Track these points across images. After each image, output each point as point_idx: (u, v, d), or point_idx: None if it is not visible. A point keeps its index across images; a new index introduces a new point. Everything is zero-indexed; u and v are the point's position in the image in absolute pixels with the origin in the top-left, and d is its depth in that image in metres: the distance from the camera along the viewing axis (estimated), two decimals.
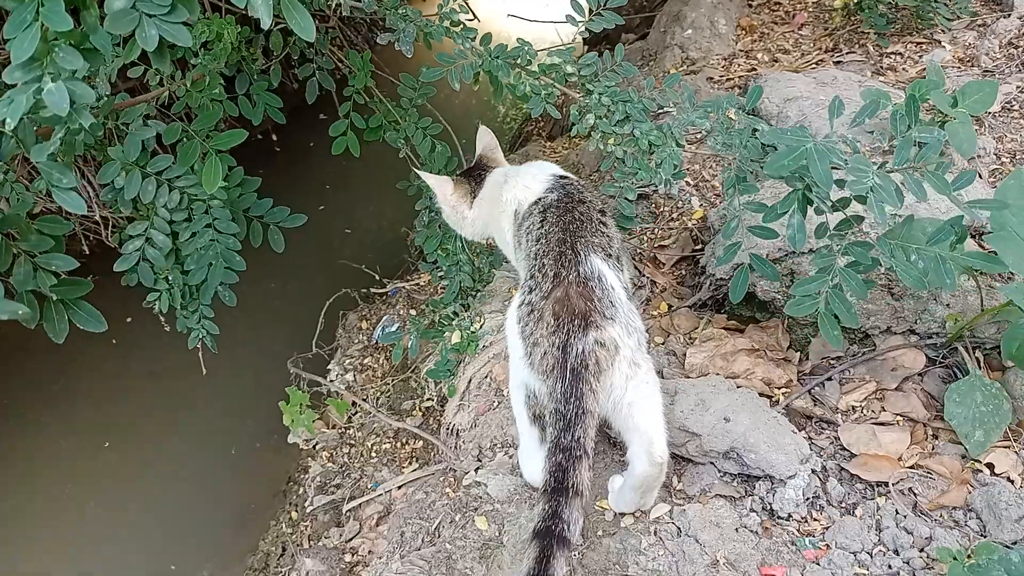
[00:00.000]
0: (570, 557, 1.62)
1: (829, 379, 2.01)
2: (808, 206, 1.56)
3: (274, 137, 5.07)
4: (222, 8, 2.75)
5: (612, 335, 1.59)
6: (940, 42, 3.10)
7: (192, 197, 2.08)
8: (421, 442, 2.57)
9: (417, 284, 3.31)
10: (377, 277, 3.54)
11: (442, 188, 2.13)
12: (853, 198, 1.52)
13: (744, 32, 3.42)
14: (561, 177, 1.97)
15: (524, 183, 2.00)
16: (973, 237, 2.17)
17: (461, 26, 1.97)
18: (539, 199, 1.92)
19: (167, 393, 3.52)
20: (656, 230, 2.62)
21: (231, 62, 2.11)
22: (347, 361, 3.19)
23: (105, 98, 1.93)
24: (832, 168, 1.46)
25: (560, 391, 1.54)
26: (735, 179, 1.67)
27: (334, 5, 1.93)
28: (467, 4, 2.25)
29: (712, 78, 3.15)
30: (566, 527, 1.46)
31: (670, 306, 2.35)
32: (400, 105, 2.44)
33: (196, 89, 2.05)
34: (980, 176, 2.35)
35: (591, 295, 1.63)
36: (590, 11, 1.98)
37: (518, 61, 1.92)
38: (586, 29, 2.01)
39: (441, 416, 2.49)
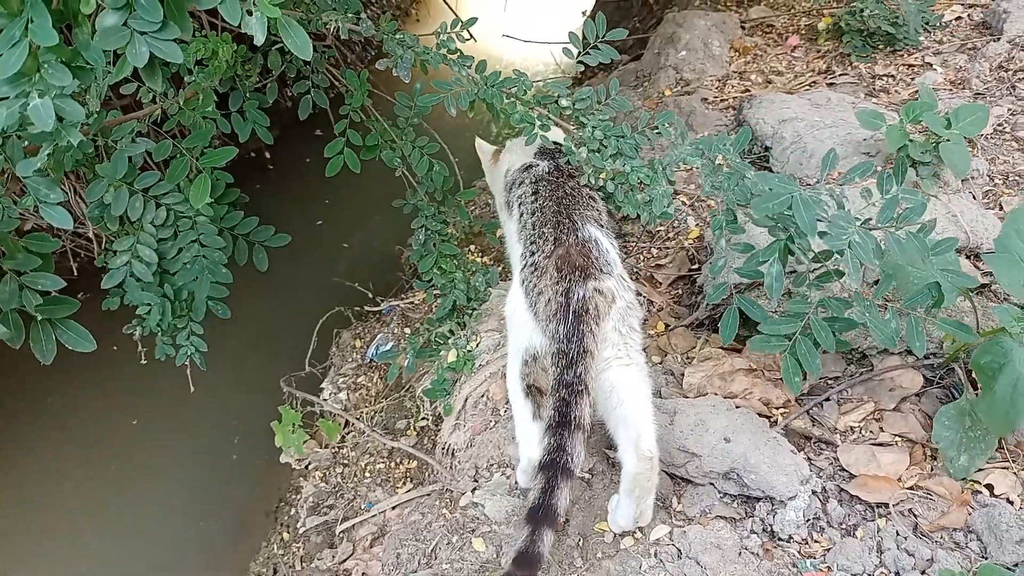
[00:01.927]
0: (574, 487, 1.72)
1: (827, 399, 2.01)
2: (789, 256, 1.57)
3: (267, 155, 5.08)
4: (219, 26, 2.76)
5: (609, 285, 1.75)
6: (932, 65, 3.14)
7: (179, 214, 2.08)
8: (416, 462, 2.54)
9: (411, 302, 3.29)
10: (371, 295, 3.52)
11: (486, 155, 2.49)
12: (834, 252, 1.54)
13: (738, 54, 3.45)
14: (554, 143, 2.06)
15: (518, 147, 2.21)
16: (968, 257, 2.18)
17: (458, 53, 1.97)
18: (529, 165, 2.09)
19: (157, 411, 3.48)
20: (652, 249, 2.62)
21: (225, 79, 2.10)
22: (340, 380, 3.16)
23: (95, 115, 1.92)
24: (817, 219, 1.48)
25: (563, 332, 1.68)
26: (722, 220, 1.68)
27: (332, 28, 1.93)
28: (467, 29, 2.25)
29: (706, 99, 3.17)
30: (570, 459, 1.57)
31: (667, 325, 2.35)
32: (396, 124, 2.44)
33: (189, 107, 2.04)
34: (974, 197, 2.37)
35: (589, 253, 1.79)
36: (586, 44, 1.98)
37: (513, 91, 1.92)
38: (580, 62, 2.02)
39: (436, 436, 2.47)
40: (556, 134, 2.03)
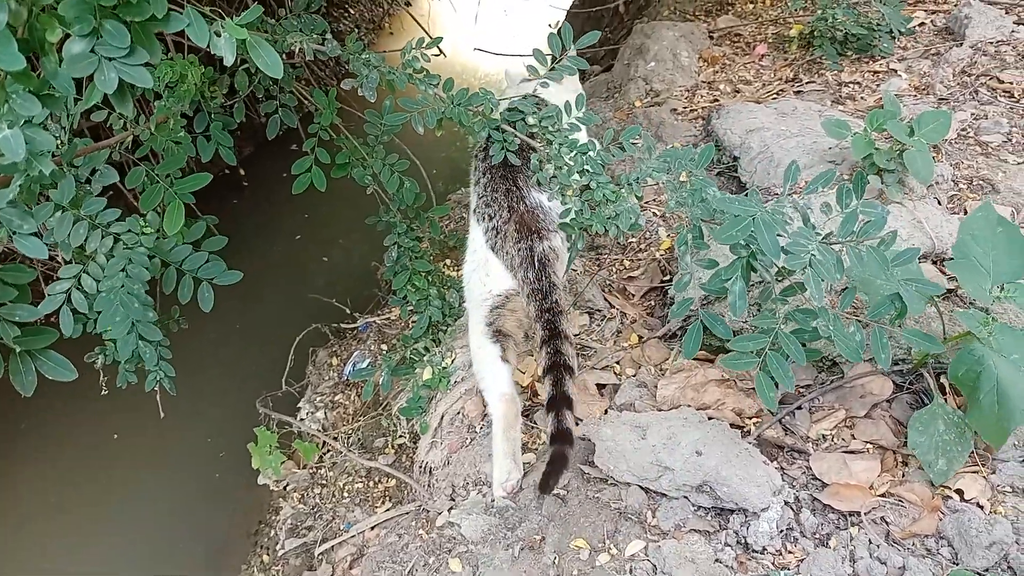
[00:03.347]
0: (575, 379, 1.98)
1: (799, 408, 2.02)
2: (752, 272, 1.59)
3: (242, 171, 5.05)
4: (185, 47, 2.74)
5: (556, 243, 2.08)
6: (896, 71, 3.18)
7: (126, 244, 1.93)
8: (394, 480, 2.54)
9: (388, 318, 3.29)
10: (348, 311, 3.51)
11: None
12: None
13: (706, 64, 3.48)
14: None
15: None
16: (934, 263, 2.21)
17: (424, 72, 1.97)
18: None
19: (133, 434, 3.45)
20: (625, 261, 2.63)
21: (192, 102, 2.09)
22: (318, 399, 3.15)
23: (66, 144, 1.89)
24: (780, 236, 1.49)
25: (532, 275, 2.03)
26: (687, 237, 1.69)
27: (297, 50, 1.93)
28: (437, 46, 2.25)
29: (676, 110, 3.19)
30: (568, 358, 1.94)
31: (640, 337, 2.36)
32: (367, 142, 2.43)
33: (160, 132, 2.02)
34: (939, 202, 2.39)
35: (538, 218, 2.08)
36: (554, 58, 1.99)
37: (480, 108, 1.93)
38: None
39: (414, 453, 2.46)
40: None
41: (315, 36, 2.07)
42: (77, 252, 1.90)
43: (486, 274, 2.15)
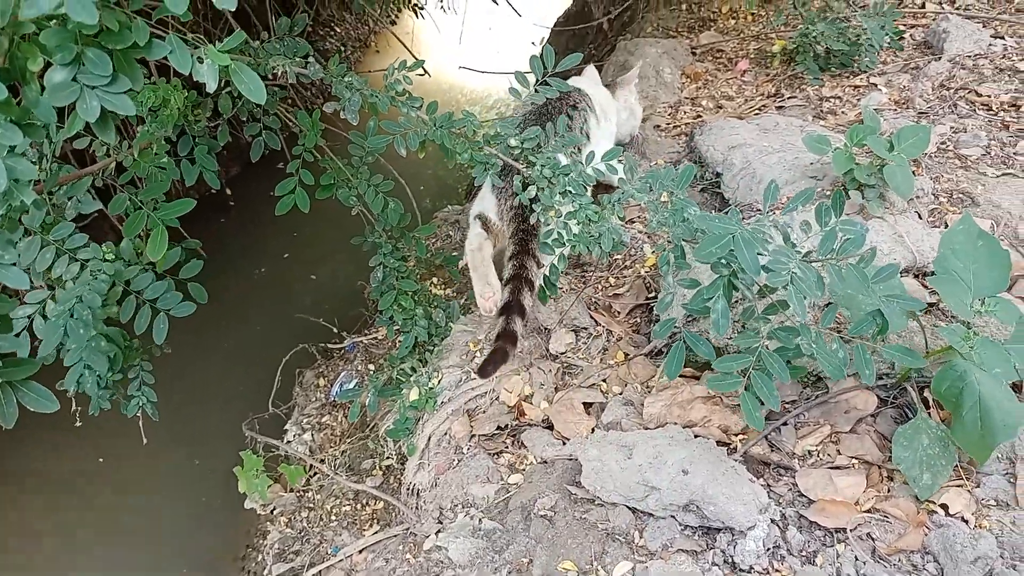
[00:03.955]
0: (533, 294, 2.26)
1: (784, 424, 2.02)
2: (734, 291, 1.59)
3: (228, 191, 5.05)
4: (170, 70, 2.74)
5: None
6: (877, 85, 3.21)
7: (92, 271, 1.91)
8: (382, 503, 2.52)
9: (375, 338, 3.28)
10: (335, 330, 3.50)
11: None
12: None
13: (689, 80, 3.50)
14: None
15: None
16: (916, 277, 2.22)
17: (406, 95, 1.98)
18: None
19: (119, 459, 3.42)
20: (610, 278, 2.64)
21: (176, 126, 2.09)
22: (305, 420, 3.13)
23: (50, 172, 1.88)
24: (760, 254, 1.50)
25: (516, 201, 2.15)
26: (669, 256, 1.70)
27: (279, 72, 1.93)
28: (422, 66, 2.26)
29: (659, 126, 3.21)
30: (530, 273, 2.23)
31: (626, 355, 2.36)
32: (351, 163, 2.44)
33: (143, 158, 2.02)
34: (920, 216, 2.41)
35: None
36: (537, 80, 2.00)
37: (463, 130, 1.93)
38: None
39: (401, 475, 2.45)
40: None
41: (298, 59, 2.07)
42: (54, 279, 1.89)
43: (481, 197, 2.54)
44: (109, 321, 2.13)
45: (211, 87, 1.36)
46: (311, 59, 2.05)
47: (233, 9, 1.30)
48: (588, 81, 2.96)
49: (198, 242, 2.55)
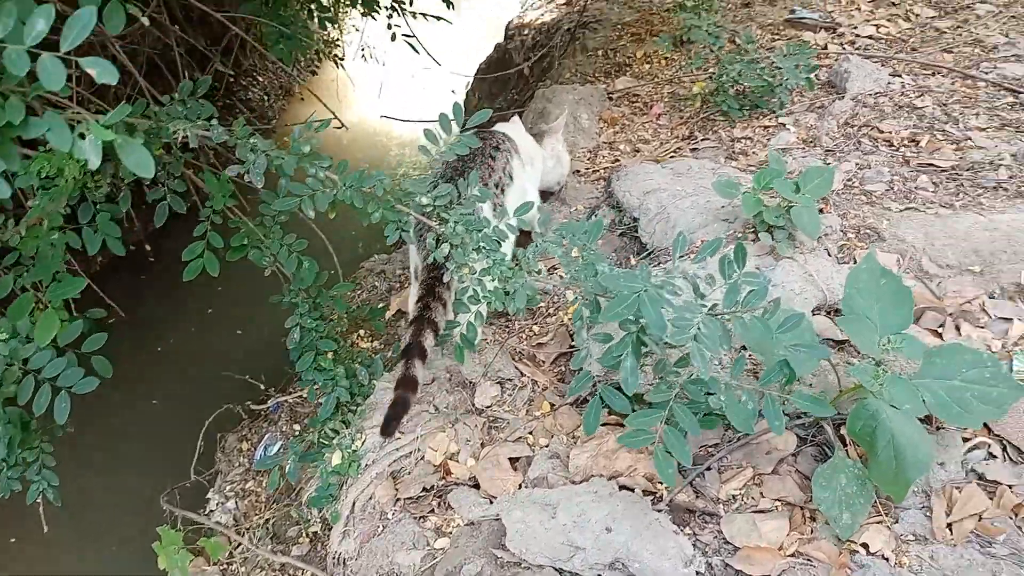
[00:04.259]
0: (437, 337, 2.30)
1: (708, 468, 2.02)
2: (643, 347, 1.60)
3: (147, 247, 4.90)
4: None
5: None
6: (785, 125, 3.32)
7: None
8: (309, 573, 2.42)
9: (300, 396, 3.19)
10: (262, 387, 3.40)
11: None
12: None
13: (606, 124, 3.56)
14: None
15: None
16: (828, 315, 2.27)
17: (313, 155, 1.94)
18: None
19: (32, 540, 3.23)
20: (534, 327, 2.62)
21: (72, 196, 2.01)
22: (228, 487, 3.01)
23: None
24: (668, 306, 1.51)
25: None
26: (582, 311, 1.70)
27: (179, 138, 1.88)
28: (338, 119, 2.23)
29: (579, 171, 3.24)
30: (434, 314, 2.27)
31: (552, 404, 2.34)
32: (263, 223, 2.38)
33: (32, 235, 1.93)
34: (829, 253, 2.48)
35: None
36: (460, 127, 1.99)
37: (372, 189, 1.91)
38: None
39: (327, 543, 2.36)
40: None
41: (200, 123, 2.02)
42: None
43: (410, 251, 2.56)
44: (8, 401, 2.02)
45: (93, 164, 1.31)
46: (214, 122, 2.00)
47: (114, 83, 1.25)
48: (514, 128, 2.98)
49: (102, 311, 2.45)
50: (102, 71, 1.21)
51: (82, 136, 1.40)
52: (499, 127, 2.91)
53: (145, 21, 1.86)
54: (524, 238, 2.49)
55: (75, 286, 1.85)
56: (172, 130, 2.00)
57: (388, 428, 2.15)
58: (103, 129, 1.40)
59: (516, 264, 1.83)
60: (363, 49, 5.47)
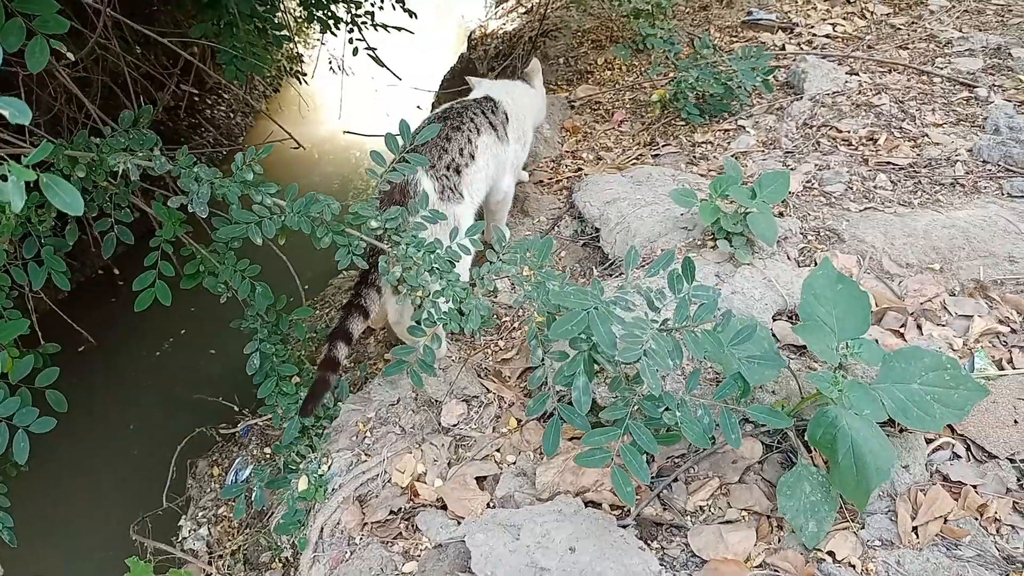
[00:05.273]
0: (365, 322, 2.37)
1: (675, 480, 2.01)
2: (594, 365, 1.58)
3: (116, 271, 4.82)
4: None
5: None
6: (745, 128, 3.32)
7: None
8: None
9: (270, 418, 3.14)
10: (236, 408, 3.34)
11: None
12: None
13: (569, 133, 3.55)
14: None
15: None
16: (789, 319, 2.27)
17: (258, 182, 1.91)
18: None
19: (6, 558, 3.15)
20: (499, 342, 2.60)
21: (15, 233, 1.96)
22: (200, 514, 2.95)
23: None
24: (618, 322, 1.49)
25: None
26: (535, 330, 1.68)
27: (119, 172, 1.84)
28: (293, 139, 2.20)
29: (542, 181, 3.23)
30: (364, 300, 2.34)
31: (519, 420, 2.32)
32: (215, 250, 2.34)
33: None
34: (789, 257, 2.48)
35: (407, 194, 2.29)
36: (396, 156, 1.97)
37: (321, 214, 1.88)
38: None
39: (297, 570, 2.32)
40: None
41: (141, 153, 1.98)
42: None
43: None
44: None
45: (16, 207, 1.27)
46: (156, 152, 1.96)
47: (27, 123, 1.22)
48: (511, 88, 3.02)
49: (55, 346, 2.40)
50: (15, 112, 1.18)
51: (3, 177, 1.36)
52: (496, 90, 2.90)
53: (71, 56, 1.81)
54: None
55: (17, 328, 1.81)
56: (111, 163, 1.96)
57: (306, 409, 2.25)
58: (25, 170, 1.36)
59: (471, 284, 1.80)
60: (330, 61, 5.42)
